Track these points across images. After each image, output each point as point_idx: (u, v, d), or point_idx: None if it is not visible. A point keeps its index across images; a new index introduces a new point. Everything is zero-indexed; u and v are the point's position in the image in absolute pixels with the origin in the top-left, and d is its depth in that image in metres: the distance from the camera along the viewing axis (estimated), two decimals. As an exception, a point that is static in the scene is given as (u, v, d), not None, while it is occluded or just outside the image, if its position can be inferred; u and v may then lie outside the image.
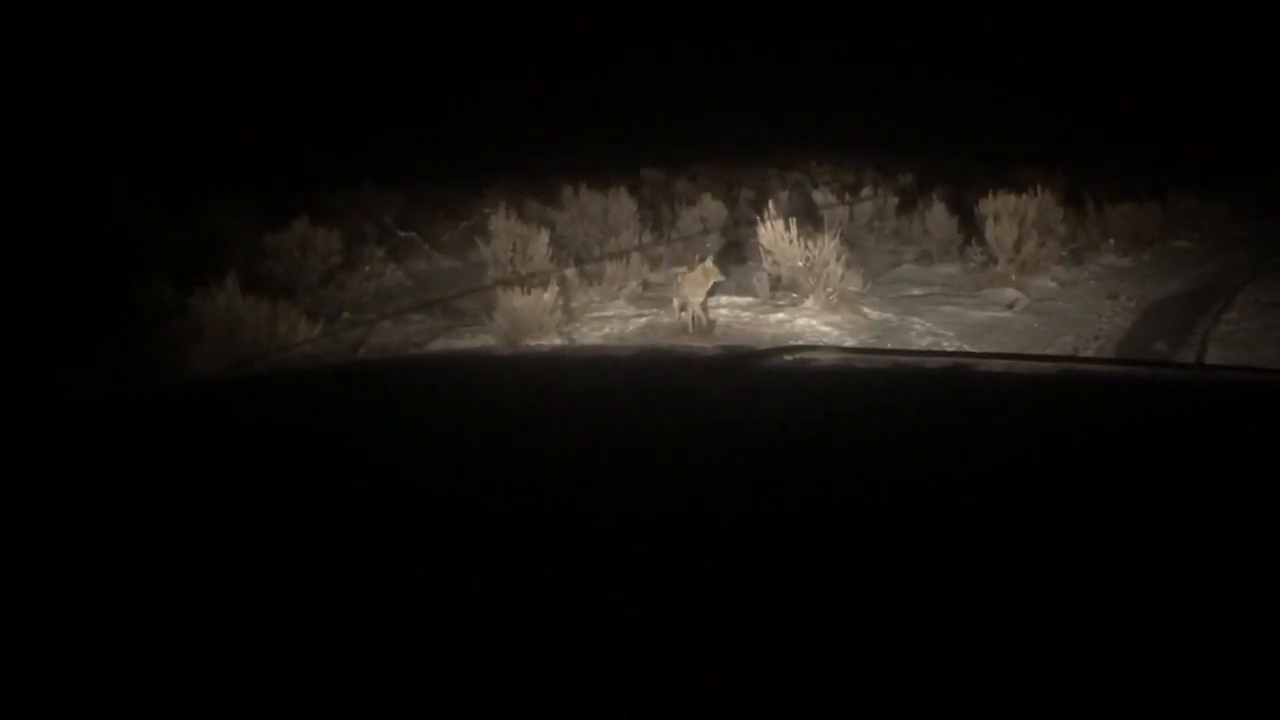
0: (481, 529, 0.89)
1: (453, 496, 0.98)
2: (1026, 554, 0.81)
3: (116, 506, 0.98)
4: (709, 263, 7.78)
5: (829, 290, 8.30)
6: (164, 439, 1.25)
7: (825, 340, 7.57)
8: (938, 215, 11.25)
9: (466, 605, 0.76)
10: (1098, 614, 0.71)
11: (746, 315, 8.30)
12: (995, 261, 9.98)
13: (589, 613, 0.74)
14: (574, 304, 8.78)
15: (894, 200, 12.73)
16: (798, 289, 8.61)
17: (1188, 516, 0.88)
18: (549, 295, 7.81)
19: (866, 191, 12.88)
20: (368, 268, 9.85)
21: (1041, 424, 1.16)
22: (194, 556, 0.86)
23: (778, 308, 8.44)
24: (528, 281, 8.17)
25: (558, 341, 7.60)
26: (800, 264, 8.49)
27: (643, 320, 8.21)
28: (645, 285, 9.49)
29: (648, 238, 10.99)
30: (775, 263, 8.82)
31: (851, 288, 8.47)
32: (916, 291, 9.56)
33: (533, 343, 7.46)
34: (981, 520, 0.87)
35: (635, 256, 9.92)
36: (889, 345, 7.40)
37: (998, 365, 1.71)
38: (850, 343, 7.48)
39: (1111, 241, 11.67)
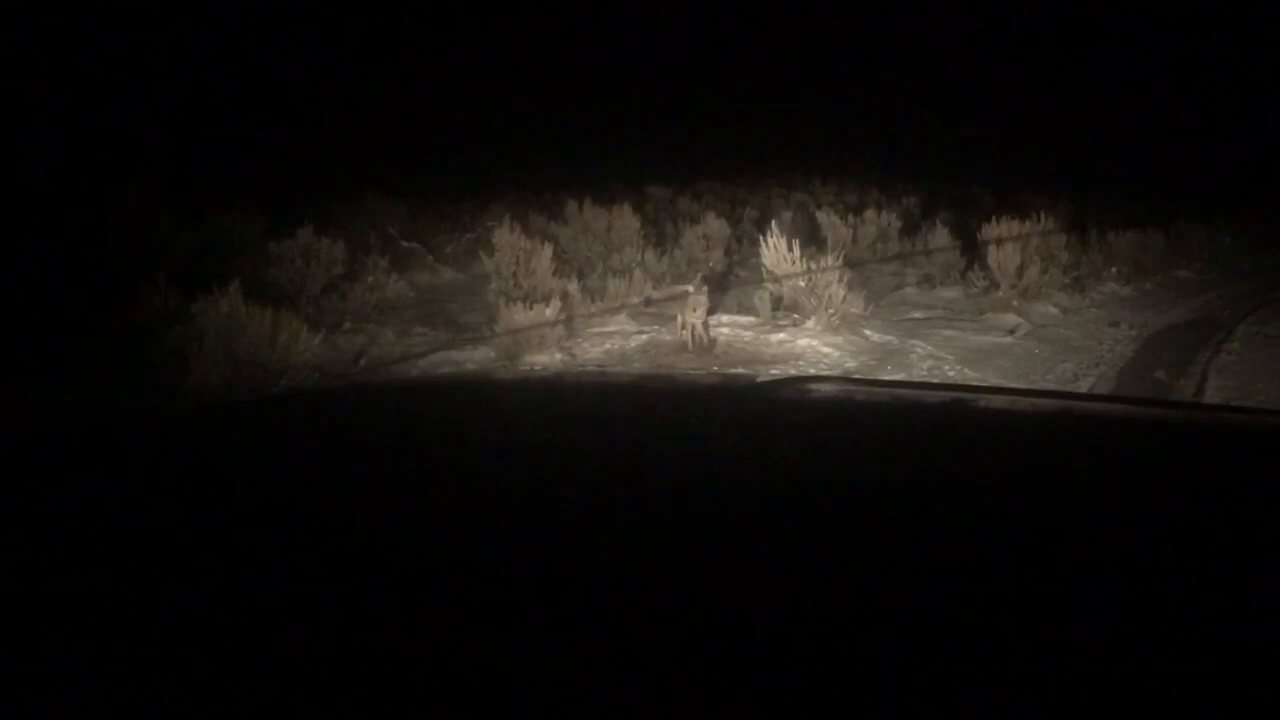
0: (477, 560, 0.89)
1: (450, 526, 0.98)
2: (1019, 602, 0.81)
3: (114, 529, 0.98)
4: (697, 285, 7.85)
5: (830, 311, 8.30)
6: (162, 463, 1.25)
7: (826, 361, 7.57)
8: (941, 239, 11.27)
9: (458, 634, 0.76)
10: (1085, 666, 0.71)
11: (748, 334, 8.30)
12: (997, 287, 9.99)
13: (577, 647, 0.74)
14: (575, 319, 8.79)
15: (897, 223, 12.75)
16: (799, 309, 8.62)
17: (1180, 561, 0.88)
18: (551, 310, 7.81)
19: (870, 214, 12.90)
20: (370, 278, 9.86)
21: (1040, 471, 1.16)
22: (190, 581, 0.86)
23: (779, 328, 8.44)
24: (530, 296, 8.19)
25: (559, 357, 7.59)
26: (802, 284, 8.51)
27: (644, 337, 8.21)
28: (647, 302, 9.50)
29: (650, 255, 11.01)
30: (777, 282, 8.84)
31: (853, 309, 8.48)
32: (918, 315, 9.56)
33: (533, 358, 7.45)
34: (974, 569, 0.87)
35: (637, 273, 9.94)
36: (889, 367, 7.40)
37: (998, 401, 1.71)
38: (851, 364, 7.48)
39: (1114, 270, 11.70)
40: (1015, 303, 9.71)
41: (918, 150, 22.84)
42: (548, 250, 9.47)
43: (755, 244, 9.77)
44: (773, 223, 9.63)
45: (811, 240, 11.36)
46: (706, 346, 7.76)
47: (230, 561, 0.90)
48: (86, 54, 16.34)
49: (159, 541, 0.94)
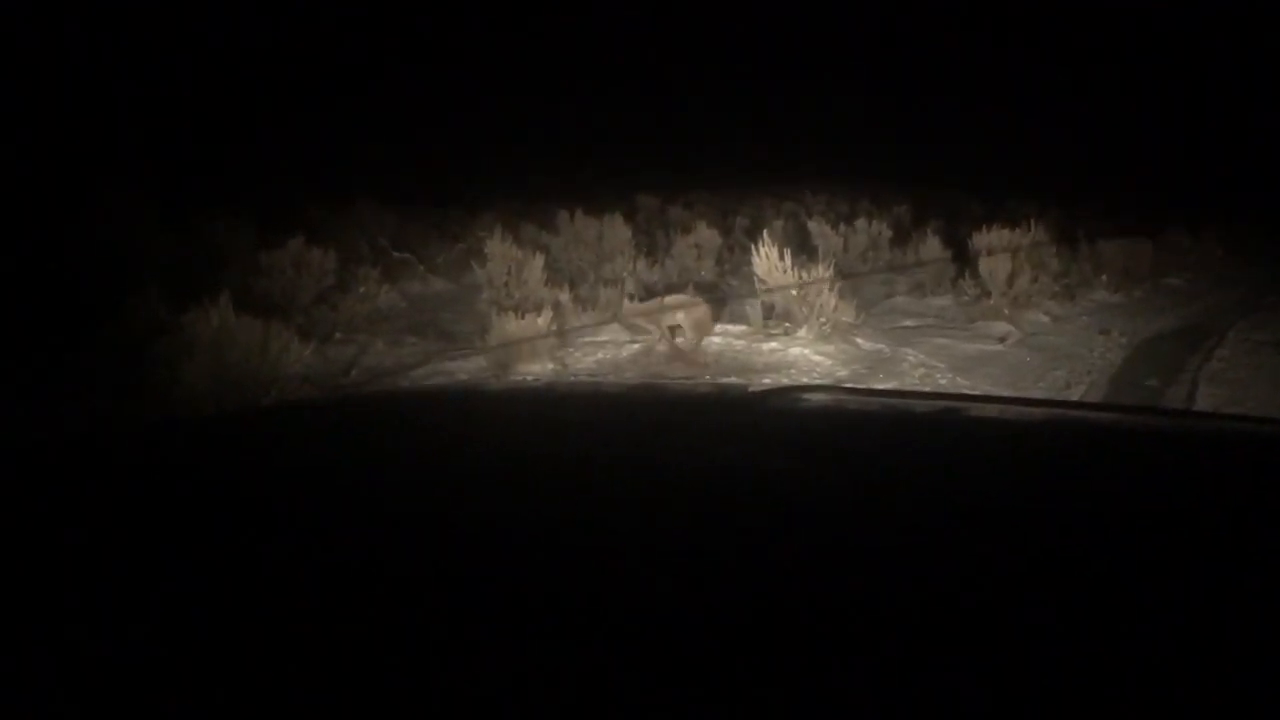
0: (469, 574, 0.89)
1: (442, 539, 0.98)
2: (1009, 608, 0.80)
3: (102, 543, 0.97)
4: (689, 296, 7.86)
5: (822, 320, 8.31)
6: (153, 477, 1.24)
7: (817, 370, 7.57)
8: (932, 248, 11.30)
9: (451, 650, 0.76)
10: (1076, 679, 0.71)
11: (740, 344, 8.30)
12: (988, 295, 10.02)
13: (565, 663, 0.74)
14: (567, 329, 8.78)
15: (888, 232, 12.78)
16: (791, 318, 8.63)
17: (1171, 567, 0.88)
18: (543, 320, 7.81)
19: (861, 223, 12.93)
20: (362, 288, 9.84)
21: (1032, 479, 1.16)
22: (180, 597, 0.85)
23: (771, 336, 8.44)
24: (521, 306, 8.18)
25: (551, 367, 7.58)
26: (793, 293, 8.52)
27: (636, 347, 8.20)
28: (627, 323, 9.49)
29: (642, 264, 11.03)
30: (769, 292, 8.85)
31: (844, 318, 8.48)
32: (909, 323, 9.58)
33: (526, 368, 7.44)
34: (966, 578, 0.87)
35: (629, 282, 9.94)
36: (881, 375, 7.40)
37: (989, 410, 1.71)
38: (842, 372, 7.48)
39: (1104, 278, 11.74)
40: (1006, 311, 9.73)
41: (909, 158, 22.94)
42: (539, 260, 9.47)
43: (747, 253, 9.78)
44: (764, 232, 9.64)
45: (803, 249, 11.38)
46: (682, 353, 7.74)
47: (218, 578, 0.89)
48: (76, 56, 16.31)
49: (148, 559, 0.94)
